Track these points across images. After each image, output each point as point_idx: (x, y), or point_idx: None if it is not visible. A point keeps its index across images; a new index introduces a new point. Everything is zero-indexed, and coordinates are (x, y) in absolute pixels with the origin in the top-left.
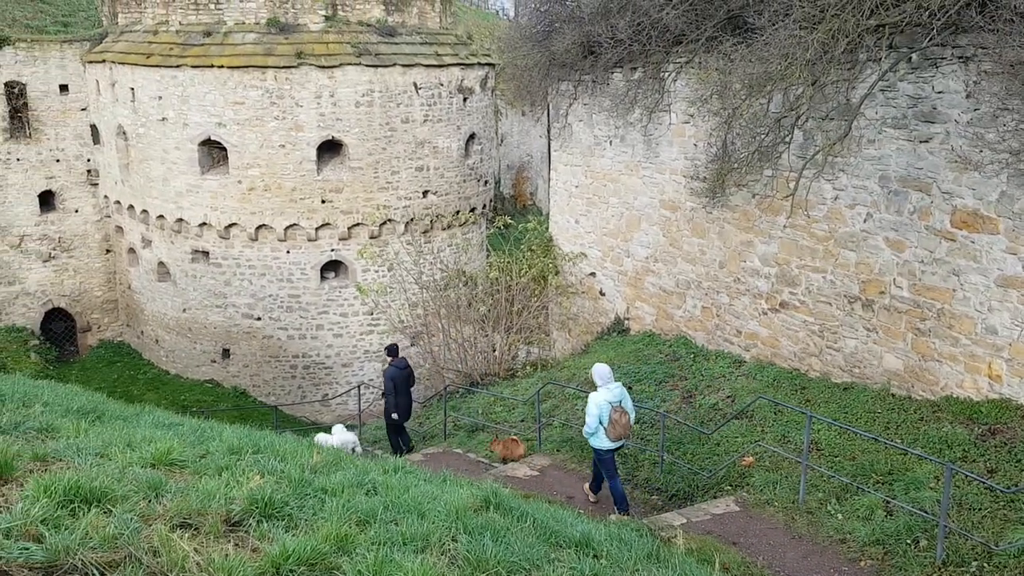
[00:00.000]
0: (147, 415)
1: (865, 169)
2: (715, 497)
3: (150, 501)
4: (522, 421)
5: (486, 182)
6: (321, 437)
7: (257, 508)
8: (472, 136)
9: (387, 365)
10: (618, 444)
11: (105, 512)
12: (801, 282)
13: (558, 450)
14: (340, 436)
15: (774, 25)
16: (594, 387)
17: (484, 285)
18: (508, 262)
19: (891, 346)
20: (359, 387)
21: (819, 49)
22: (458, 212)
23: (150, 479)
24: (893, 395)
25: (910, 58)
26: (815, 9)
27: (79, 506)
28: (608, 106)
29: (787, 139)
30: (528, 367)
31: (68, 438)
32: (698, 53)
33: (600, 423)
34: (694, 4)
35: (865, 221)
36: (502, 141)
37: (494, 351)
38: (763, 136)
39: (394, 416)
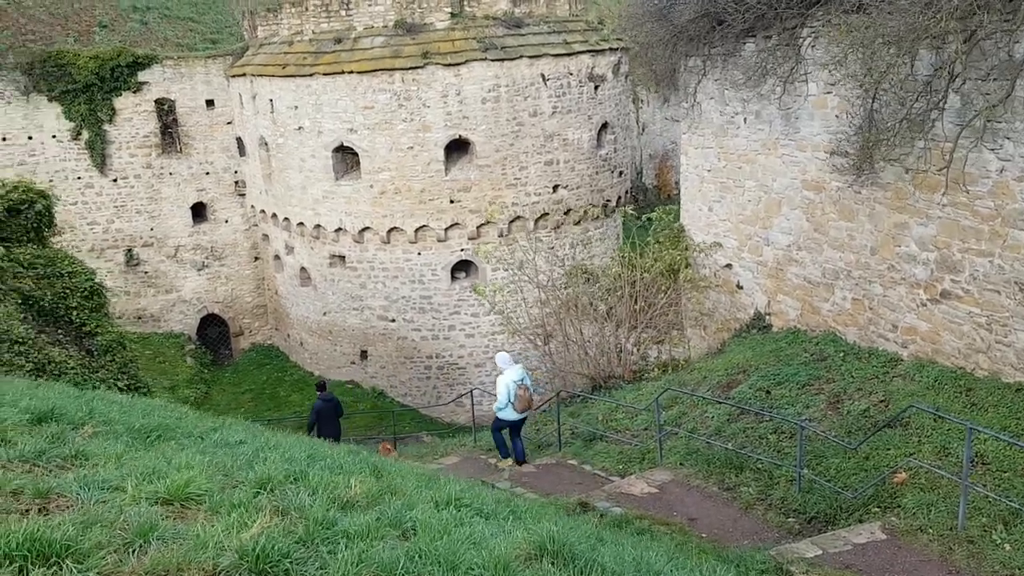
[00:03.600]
0: (222, 432)
1: None
2: (860, 521)
3: (131, 552)
4: (645, 430)
5: (621, 173)
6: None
7: (247, 563)
8: (605, 125)
9: (316, 399)
10: (522, 416)
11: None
12: (964, 268)
13: (681, 464)
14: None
15: None
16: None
17: (607, 281)
18: (631, 256)
19: None
20: (471, 392)
21: None
22: (590, 206)
23: (143, 522)
24: None
25: None
26: None
27: (28, 565)
28: (740, 80)
29: (940, 104)
30: (657, 369)
31: (96, 466)
32: (836, 14)
33: (509, 400)
34: None
35: None
36: (643, 130)
37: (618, 352)
38: (912, 102)
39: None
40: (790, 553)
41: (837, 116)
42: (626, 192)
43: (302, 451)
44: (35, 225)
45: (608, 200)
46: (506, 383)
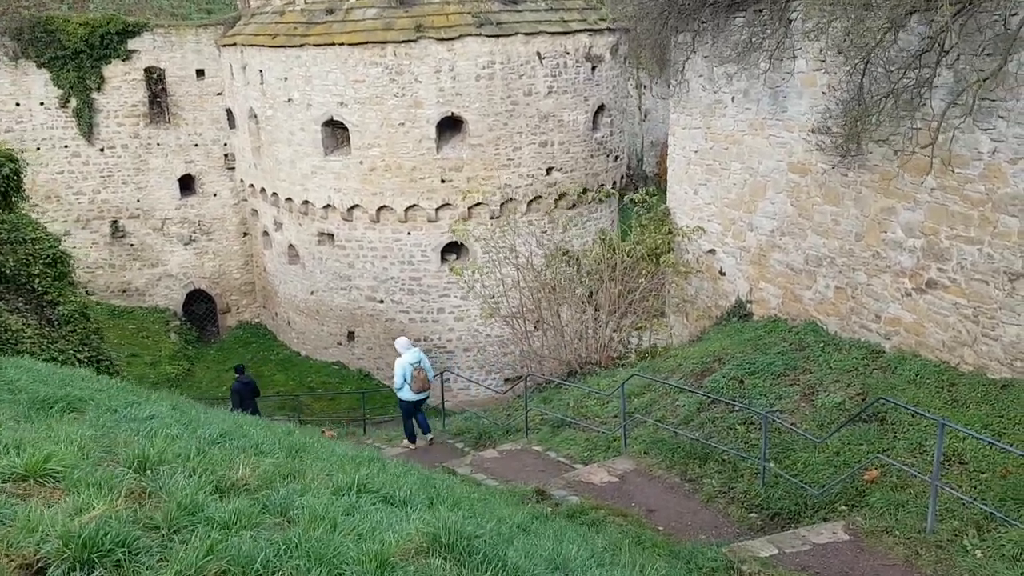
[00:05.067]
0: (140, 406)
1: None
2: (825, 520)
3: None
4: (615, 417)
5: (617, 157)
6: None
7: (71, 550)
8: (601, 108)
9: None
10: (421, 396)
11: None
12: (952, 256)
13: (646, 452)
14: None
15: None
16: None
17: (587, 264)
18: (611, 238)
19: None
20: (442, 374)
21: None
22: (585, 190)
23: None
24: None
25: None
26: None
27: None
28: (730, 56)
29: (931, 80)
30: (636, 356)
31: None
32: None
33: (405, 380)
34: None
35: None
36: (645, 116)
37: (596, 337)
38: (899, 76)
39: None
40: (744, 551)
41: (824, 93)
42: (622, 177)
43: (216, 429)
44: (2, 189)
45: (603, 184)
46: (402, 365)
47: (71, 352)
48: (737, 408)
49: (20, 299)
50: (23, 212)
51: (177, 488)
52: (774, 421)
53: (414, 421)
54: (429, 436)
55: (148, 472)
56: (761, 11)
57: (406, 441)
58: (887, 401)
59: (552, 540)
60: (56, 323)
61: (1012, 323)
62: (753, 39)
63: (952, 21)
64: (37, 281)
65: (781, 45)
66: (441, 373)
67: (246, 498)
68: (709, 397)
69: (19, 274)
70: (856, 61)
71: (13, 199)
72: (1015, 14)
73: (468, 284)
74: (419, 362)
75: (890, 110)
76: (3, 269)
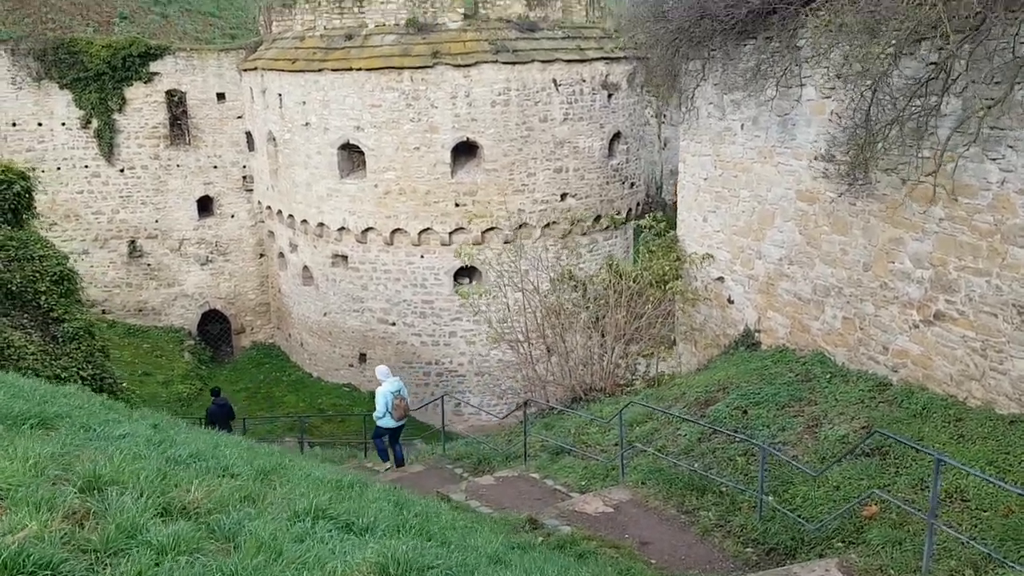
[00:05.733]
0: (119, 425)
1: None
2: (821, 556)
3: None
4: (615, 445)
5: (633, 184)
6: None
7: None
8: (617, 135)
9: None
10: (400, 423)
11: None
12: (960, 288)
13: (643, 482)
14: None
15: None
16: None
17: (593, 289)
18: (618, 264)
19: None
20: (442, 398)
21: None
22: (599, 216)
23: None
24: None
25: None
26: None
27: None
28: (739, 84)
29: (937, 108)
30: (644, 383)
31: None
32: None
33: (387, 409)
34: None
35: None
36: (665, 145)
37: (601, 363)
38: (905, 104)
39: None
40: None
41: (829, 120)
42: (638, 204)
43: (189, 449)
44: (12, 206)
45: (619, 211)
46: (384, 394)
47: (74, 369)
48: (738, 439)
49: (25, 315)
50: (33, 229)
51: (121, 510)
52: (774, 453)
53: (390, 451)
54: (387, 466)
55: (96, 492)
56: (770, 39)
57: (387, 465)
58: (884, 435)
59: (522, 573)
60: (61, 340)
61: (1020, 357)
62: (762, 66)
63: (958, 48)
64: (43, 298)
65: (789, 72)
66: (442, 397)
67: (192, 522)
68: (710, 427)
69: (25, 291)
70: (862, 88)
71: (24, 216)
72: (1023, 42)
73: (474, 307)
74: (399, 391)
75: (896, 138)
76: (9, 286)
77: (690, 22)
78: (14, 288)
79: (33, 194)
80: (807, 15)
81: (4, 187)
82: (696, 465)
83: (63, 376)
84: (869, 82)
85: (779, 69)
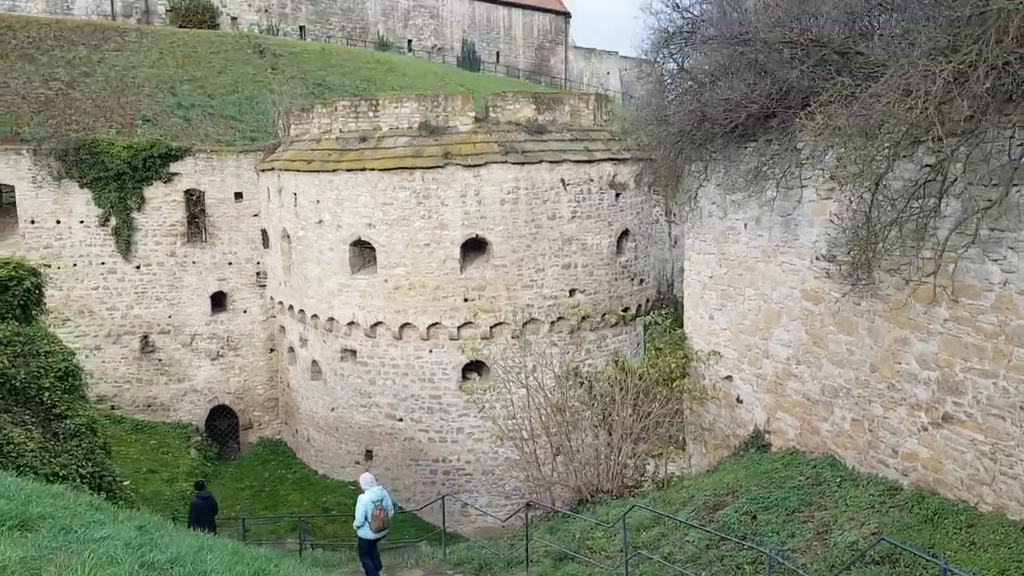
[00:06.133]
0: (100, 528)
1: None
2: None
3: None
4: (621, 551)
5: (642, 281)
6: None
7: None
8: (626, 233)
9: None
10: (379, 535)
11: None
12: (967, 390)
13: None
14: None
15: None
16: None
17: (600, 387)
18: (624, 360)
19: None
20: (443, 498)
21: (949, 81)
22: (608, 312)
23: None
24: None
25: None
26: (945, 35)
27: None
28: (741, 184)
29: (935, 208)
30: (653, 484)
31: None
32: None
33: (366, 519)
34: (811, 51)
35: None
36: (675, 243)
37: (608, 463)
38: (903, 205)
39: None
40: None
41: (830, 220)
42: (648, 301)
43: (170, 553)
44: (22, 302)
45: (627, 307)
46: (364, 503)
47: (74, 467)
48: (746, 546)
49: (28, 412)
50: (41, 325)
51: None
52: (782, 563)
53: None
54: None
55: None
56: (770, 141)
57: None
58: (892, 543)
59: None
60: (62, 437)
61: None
62: (763, 168)
63: (953, 152)
64: (47, 394)
65: (789, 174)
66: (443, 497)
67: None
68: (718, 535)
69: (29, 386)
70: (861, 190)
71: (33, 312)
72: (1021, 144)
73: (479, 403)
74: (381, 500)
75: (896, 239)
76: (13, 381)
77: (691, 125)
78: (18, 384)
79: (43, 290)
80: (803, 118)
81: (14, 283)
82: (703, 574)
83: (62, 474)
84: (868, 184)
85: (779, 171)
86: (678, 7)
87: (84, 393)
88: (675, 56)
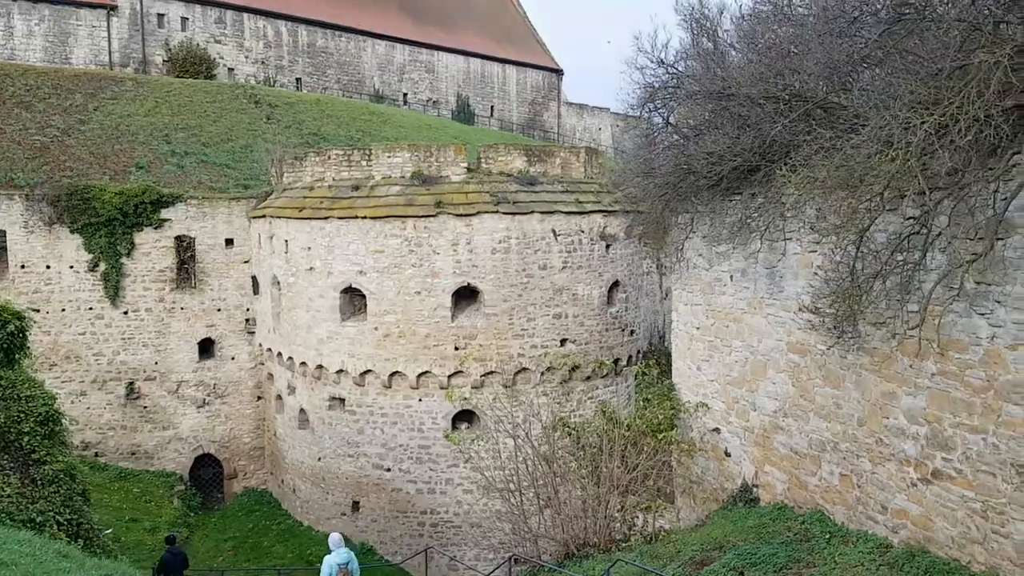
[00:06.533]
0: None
1: None
2: None
3: None
4: None
5: (632, 332)
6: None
7: None
8: (616, 284)
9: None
10: None
11: None
12: (957, 445)
13: None
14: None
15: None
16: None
17: (586, 438)
18: (612, 411)
19: None
20: (426, 551)
21: (931, 133)
22: (599, 363)
23: None
24: None
25: None
26: (927, 89)
27: None
28: (726, 236)
29: (920, 262)
30: (641, 538)
31: None
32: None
33: None
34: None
35: None
36: (666, 295)
37: (594, 516)
38: (887, 258)
39: None
40: None
41: (815, 273)
42: (639, 352)
43: None
44: (5, 346)
45: (618, 358)
46: (330, 564)
47: (51, 514)
48: None
49: (6, 456)
50: (23, 369)
51: None
52: None
53: None
54: None
55: None
56: (754, 194)
57: None
58: None
59: None
60: (40, 483)
61: (1022, 520)
62: (747, 221)
63: (936, 205)
64: (26, 439)
65: (773, 226)
66: (426, 550)
67: None
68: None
69: (8, 431)
70: (845, 243)
71: (16, 356)
72: (1004, 198)
73: (465, 454)
74: (347, 563)
75: (881, 291)
76: None
77: (677, 178)
78: None
79: (27, 334)
80: (785, 172)
81: None
82: None
83: (39, 520)
84: (851, 236)
85: (763, 223)
86: (663, 63)
87: (65, 439)
88: (660, 111)
